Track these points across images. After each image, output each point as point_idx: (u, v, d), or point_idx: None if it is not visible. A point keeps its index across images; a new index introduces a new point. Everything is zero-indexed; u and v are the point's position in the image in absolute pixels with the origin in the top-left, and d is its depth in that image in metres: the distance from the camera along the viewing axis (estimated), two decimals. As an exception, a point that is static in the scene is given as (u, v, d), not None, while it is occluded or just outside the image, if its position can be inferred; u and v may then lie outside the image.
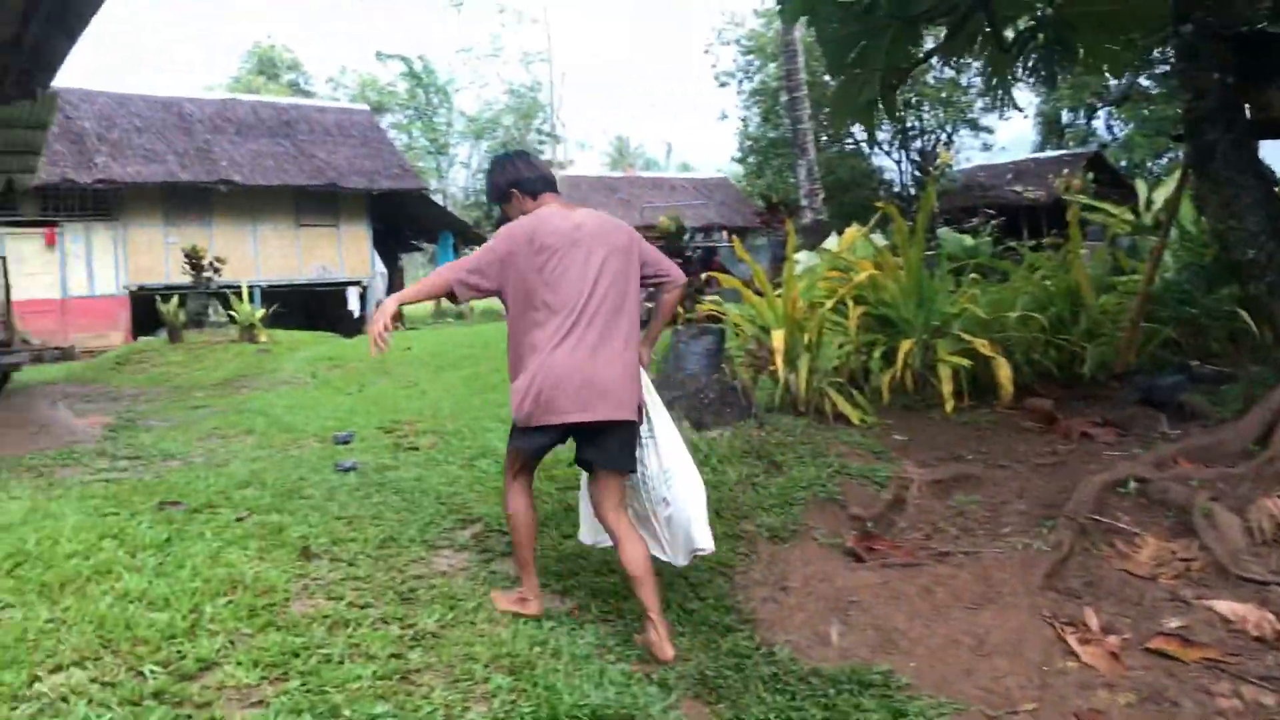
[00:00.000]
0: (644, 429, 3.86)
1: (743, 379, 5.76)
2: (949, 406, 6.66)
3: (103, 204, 21.66)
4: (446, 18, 72.30)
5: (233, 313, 15.56)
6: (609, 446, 3.71)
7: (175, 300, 15.41)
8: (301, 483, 5.51)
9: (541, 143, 40.27)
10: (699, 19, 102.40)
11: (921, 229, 6.94)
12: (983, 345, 6.77)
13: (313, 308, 25.94)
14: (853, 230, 7.43)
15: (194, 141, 23.52)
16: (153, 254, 22.22)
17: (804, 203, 18.88)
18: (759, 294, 6.80)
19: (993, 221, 13.72)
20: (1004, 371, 6.75)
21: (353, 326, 24.99)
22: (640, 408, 3.81)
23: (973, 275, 7.90)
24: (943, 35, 7.22)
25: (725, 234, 31.45)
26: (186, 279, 17.53)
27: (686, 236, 5.96)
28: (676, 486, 3.83)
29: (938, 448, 6.06)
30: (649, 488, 3.86)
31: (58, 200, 21.02)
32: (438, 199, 41.26)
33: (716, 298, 6.81)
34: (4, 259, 12.93)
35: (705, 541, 3.80)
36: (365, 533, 4.48)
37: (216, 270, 17.02)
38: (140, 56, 79.46)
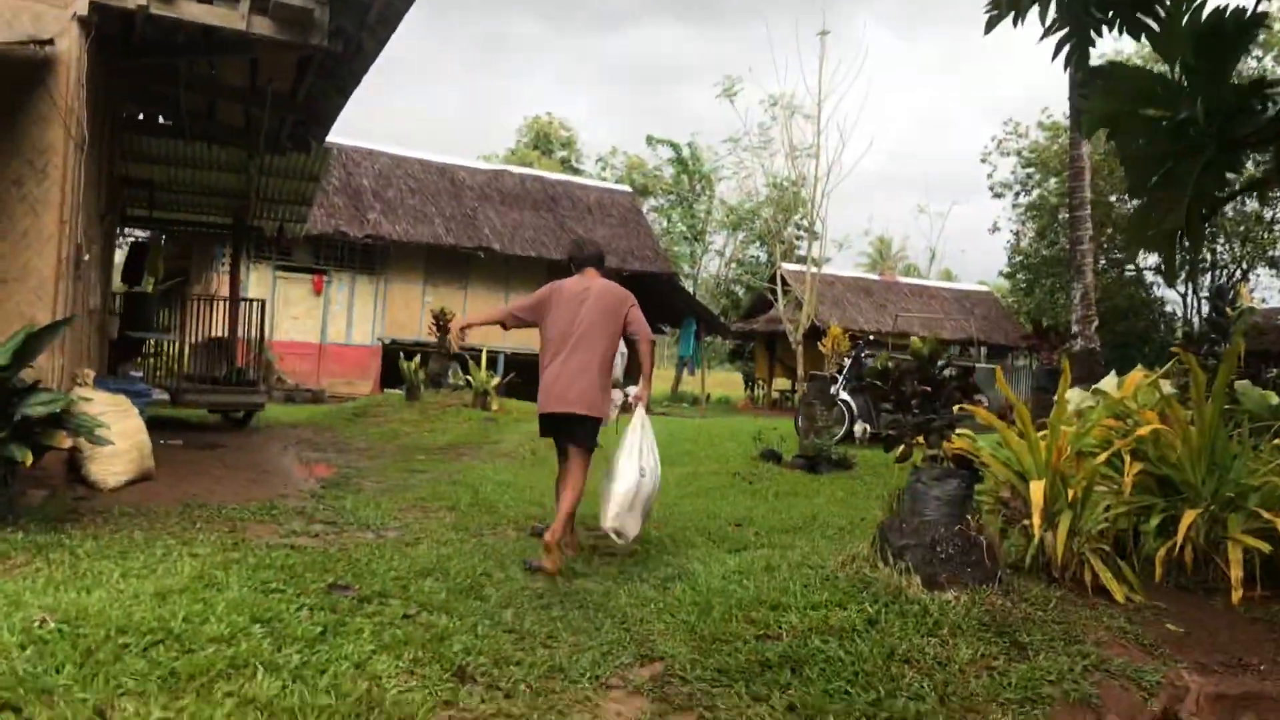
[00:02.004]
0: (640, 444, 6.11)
1: (989, 533, 4.98)
2: (1236, 596, 5.60)
3: (369, 258, 22.81)
4: (719, 108, 73.97)
5: (470, 378, 15.77)
6: (573, 432, 6.23)
7: (417, 359, 15.79)
8: (484, 579, 5.14)
9: (799, 238, 40.04)
10: (977, 128, 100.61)
11: (1223, 382, 5.96)
12: (1288, 527, 5.69)
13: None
14: (1138, 374, 6.51)
15: (461, 207, 24.53)
16: (409, 310, 23.16)
17: (1075, 328, 17.51)
18: (1019, 434, 5.99)
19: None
20: (1313, 562, 5.65)
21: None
22: (595, 410, 6.17)
23: (1276, 440, 6.77)
24: (1267, 161, 6.29)
25: (982, 350, 30.02)
26: (434, 339, 18.00)
27: (942, 360, 5.28)
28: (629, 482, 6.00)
29: (1221, 649, 5.04)
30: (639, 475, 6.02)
31: (329, 250, 22.28)
32: (688, 285, 41.73)
33: (969, 433, 6.05)
34: (264, 302, 13.58)
35: (622, 523, 5.94)
36: (533, 655, 4.01)
37: (463, 335, 17.37)
38: (425, 125, 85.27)
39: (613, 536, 5.96)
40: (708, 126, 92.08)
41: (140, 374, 12.96)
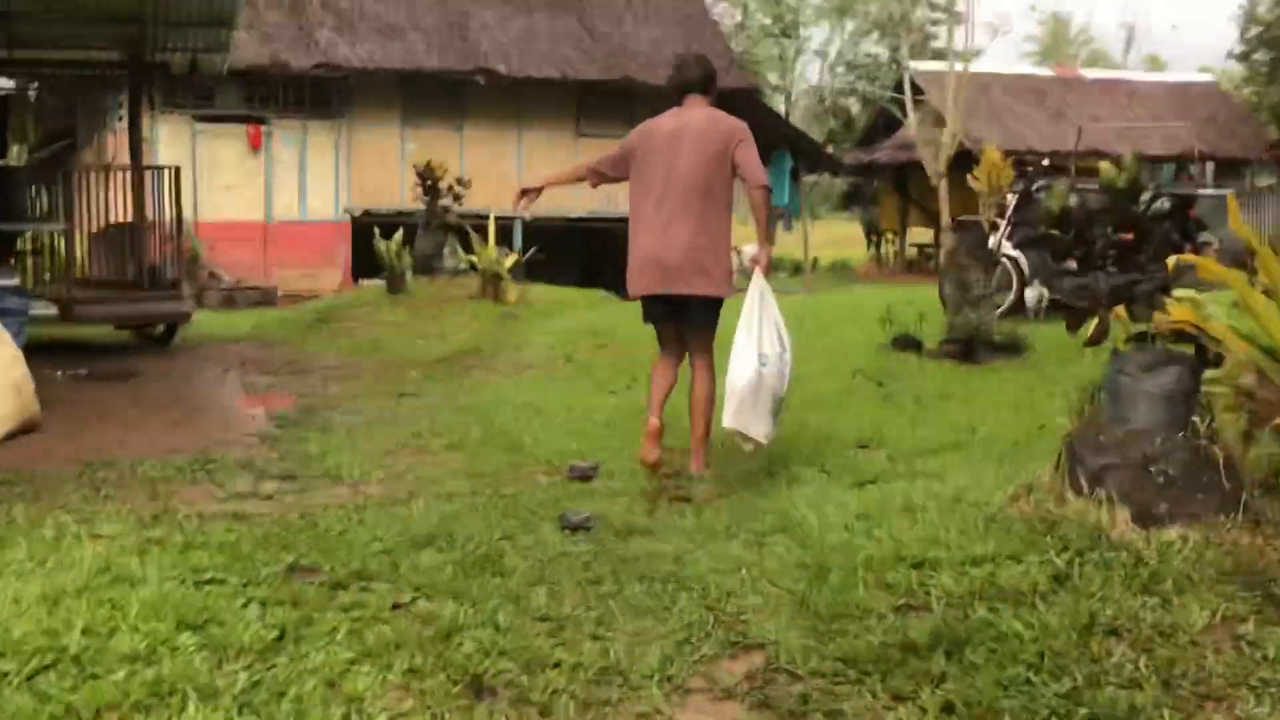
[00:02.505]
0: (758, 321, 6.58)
1: (1226, 441, 4.86)
2: None
3: (323, 97, 22.81)
4: None
5: (474, 257, 15.75)
6: (686, 316, 6.94)
7: (398, 237, 15.77)
8: (505, 545, 5.16)
9: (935, 23, 39.13)
10: None
11: None
12: None
13: (593, 251, 26.32)
14: None
15: (447, 13, 24.36)
16: (384, 167, 23.18)
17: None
18: (1266, 291, 5.80)
19: None
20: None
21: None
22: (715, 286, 6.79)
23: None
24: None
25: (1207, 168, 29.37)
26: (420, 204, 17.96)
27: (1148, 191, 5.08)
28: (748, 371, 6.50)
29: None
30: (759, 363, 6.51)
31: (266, 90, 22.24)
32: (777, 103, 41.19)
33: (1192, 293, 5.86)
34: (178, 169, 13.57)
35: (748, 425, 6.53)
36: (579, 652, 3.99)
37: (459, 196, 17.33)
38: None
39: (737, 440, 6.65)
40: None
41: (15, 280, 13.04)
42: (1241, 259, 10.38)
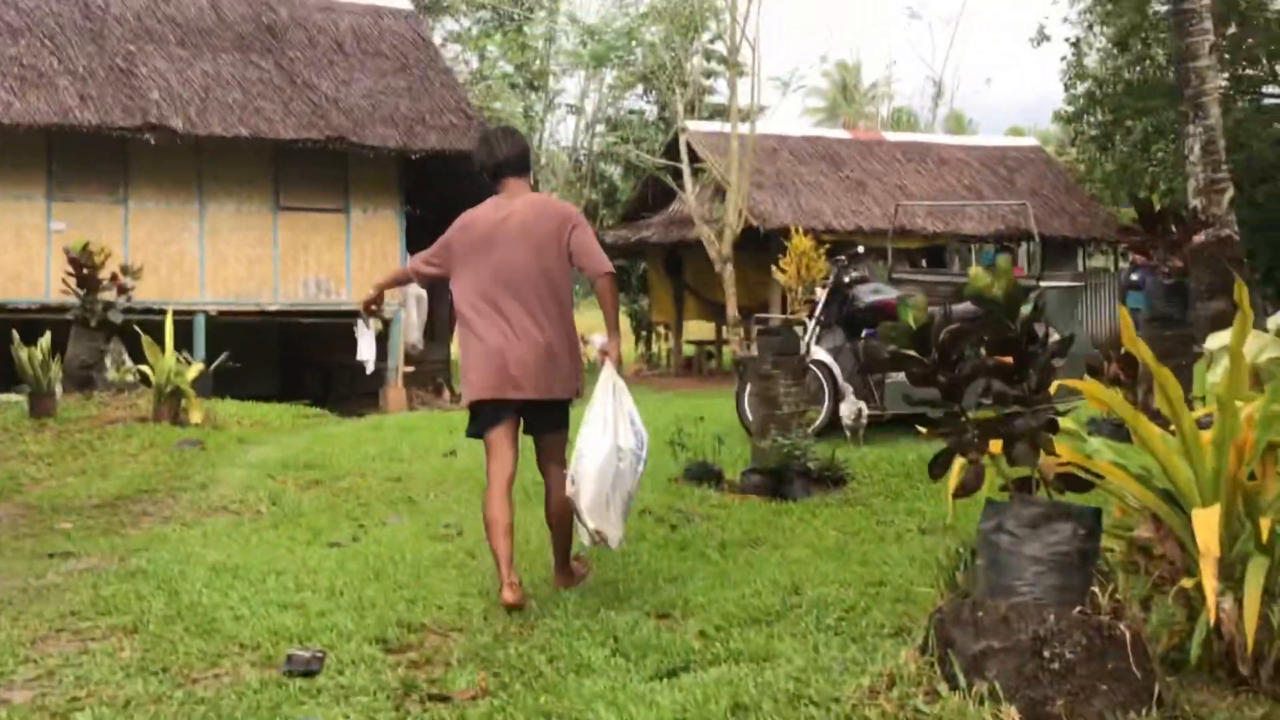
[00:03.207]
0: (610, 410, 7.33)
1: (1130, 618, 4.80)
2: None
3: (-60, 159, 21.95)
4: None
5: (145, 368, 15.21)
6: (538, 420, 7.79)
7: (44, 340, 15.13)
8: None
9: (710, 75, 39.90)
10: None
11: None
12: None
13: (297, 353, 25.84)
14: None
15: (106, 55, 23.80)
16: (23, 248, 22.45)
17: (1196, 203, 17.67)
18: (1157, 418, 5.81)
19: None
20: None
21: (363, 389, 24.74)
22: (566, 387, 7.68)
23: None
24: None
25: (1032, 247, 30.38)
26: (74, 298, 17.32)
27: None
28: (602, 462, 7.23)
29: None
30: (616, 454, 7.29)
31: None
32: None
33: (1073, 425, 5.84)
34: None
35: (602, 524, 7.23)
36: None
37: (125, 289, 16.79)
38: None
39: (588, 541, 7.43)
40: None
41: None
42: (1095, 362, 10.59)
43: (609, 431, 7.24)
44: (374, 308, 8.80)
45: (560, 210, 7.80)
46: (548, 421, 7.73)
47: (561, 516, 7.57)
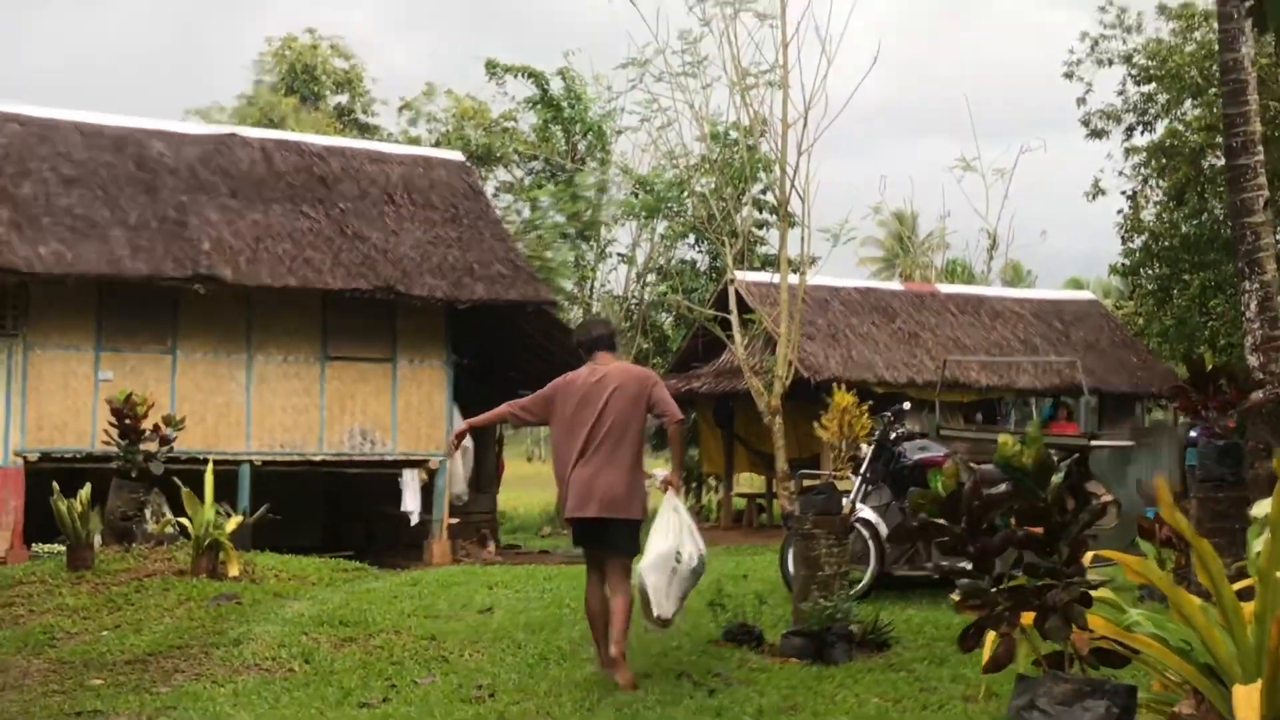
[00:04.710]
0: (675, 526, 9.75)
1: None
2: None
3: (-6, 307, 22.10)
4: (610, 7, 73.61)
5: (184, 520, 15.17)
6: (614, 536, 9.87)
7: (85, 491, 15.10)
8: None
9: (762, 226, 39.94)
10: (1056, 17, 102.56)
11: None
12: None
13: (342, 503, 25.79)
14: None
15: (158, 206, 23.95)
16: (71, 397, 22.50)
17: (1254, 361, 17.52)
18: (1199, 592, 5.67)
19: None
20: None
21: (406, 541, 24.63)
22: (637, 511, 9.86)
23: None
24: None
25: (1088, 402, 30.14)
26: (116, 447, 17.33)
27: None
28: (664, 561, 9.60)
29: None
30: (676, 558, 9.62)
31: (-87, 298, 21.56)
32: (576, 316, 41.37)
33: (1110, 594, 5.71)
34: None
35: (660, 608, 9.59)
36: None
37: (167, 440, 16.78)
38: (93, 71, 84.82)
39: (655, 628, 9.86)
40: (593, 40, 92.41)
41: None
42: (1146, 524, 10.41)
43: (670, 542, 9.57)
44: (458, 441, 13.26)
45: (643, 373, 10.25)
46: (617, 537, 9.83)
47: (619, 617, 9.59)
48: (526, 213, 44.12)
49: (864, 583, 12.49)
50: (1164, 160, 34.20)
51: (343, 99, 48.09)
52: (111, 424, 16.90)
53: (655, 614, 9.59)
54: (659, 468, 10.98)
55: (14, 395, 22.25)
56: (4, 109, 24.59)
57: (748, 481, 34.18)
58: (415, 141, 41.68)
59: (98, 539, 15.07)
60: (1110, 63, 35.08)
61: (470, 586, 15.05)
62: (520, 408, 10.58)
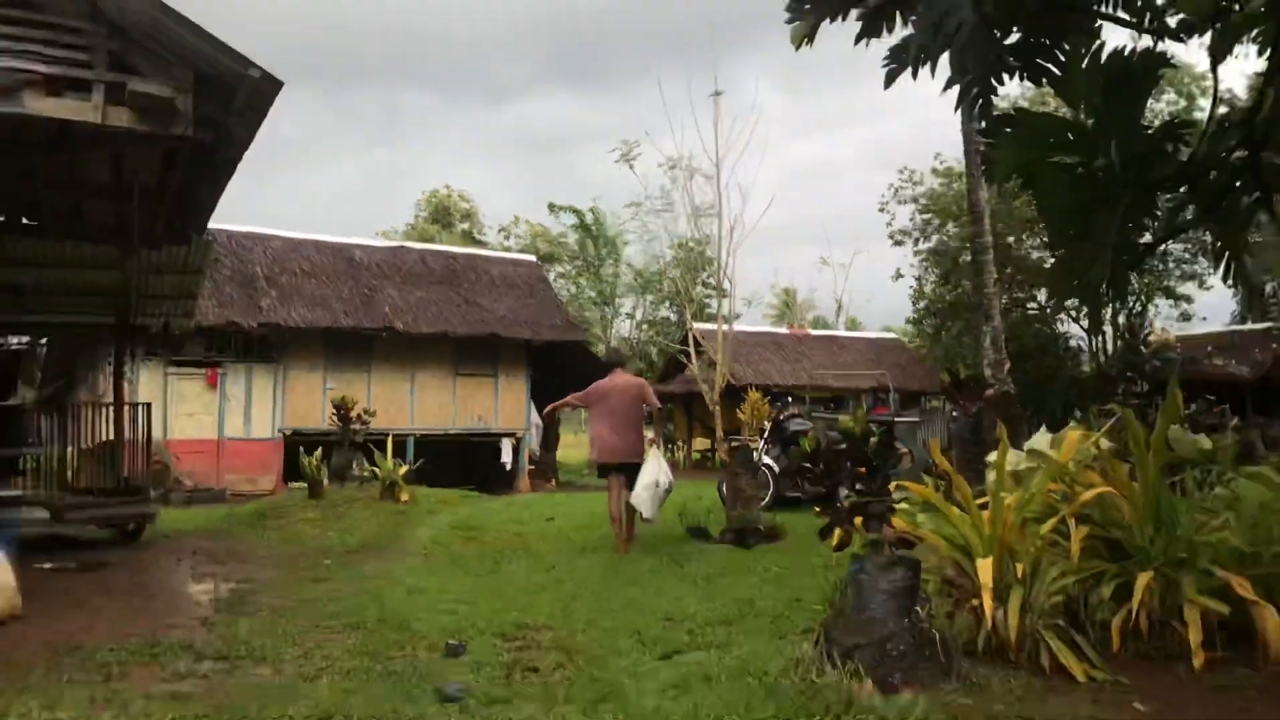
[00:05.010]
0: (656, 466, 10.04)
1: (941, 626, 4.62)
2: (1198, 661, 5.32)
3: (265, 347, 22.05)
4: (619, 172, 73.77)
5: (376, 468, 15.10)
6: (625, 471, 10.16)
7: (318, 453, 15.05)
8: (392, 717, 4.62)
9: (708, 296, 40.02)
10: (870, 178, 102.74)
11: (1162, 435, 5.73)
12: (1241, 585, 5.43)
13: (466, 458, 25.73)
14: (1075, 434, 6.25)
15: (360, 287, 23.91)
16: (310, 399, 22.39)
17: (988, 372, 17.55)
18: (958, 505, 5.68)
19: (1216, 407, 12.01)
20: (1272, 621, 5.39)
21: (504, 480, 24.58)
22: (638, 458, 10.19)
23: (1218, 489, 6.57)
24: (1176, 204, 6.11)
25: (893, 397, 30.10)
26: (335, 428, 17.25)
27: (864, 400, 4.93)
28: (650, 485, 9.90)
29: (1195, 724, 4.74)
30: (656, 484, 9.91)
31: (222, 342, 21.48)
32: (601, 350, 41.35)
33: (906, 504, 5.71)
34: (149, 406, 12.83)
35: (647, 513, 9.93)
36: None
37: (365, 422, 16.70)
38: (322, 204, 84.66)
39: (644, 516, 10.00)
40: (610, 191, 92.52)
41: (17, 492, 12.06)
42: (926, 466, 10.34)
43: (651, 473, 9.93)
44: (551, 415, 14.04)
45: (640, 382, 10.70)
46: (629, 470, 10.17)
47: (630, 512, 10.09)
48: (572, 290, 44.12)
49: (766, 500, 12.45)
50: (936, 257, 34.20)
51: (465, 225, 47.96)
52: (333, 414, 16.84)
53: (645, 516, 9.93)
54: (649, 434, 11.07)
55: (278, 397, 22.21)
56: (268, 232, 24.59)
57: (700, 444, 34.04)
58: (508, 250, 41.56)
59: (326, 480, 14.98)
60: (905, 202, 35.12)
61: (541, 506, 14.98)
62: (576, 399, 10.79)
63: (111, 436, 12.91)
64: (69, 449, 12.99)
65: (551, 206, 44.46)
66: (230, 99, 6.77)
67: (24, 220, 10.13)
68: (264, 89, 6.66)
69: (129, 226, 9.50)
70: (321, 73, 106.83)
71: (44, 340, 17.58)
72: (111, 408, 13.01)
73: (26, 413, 13.22)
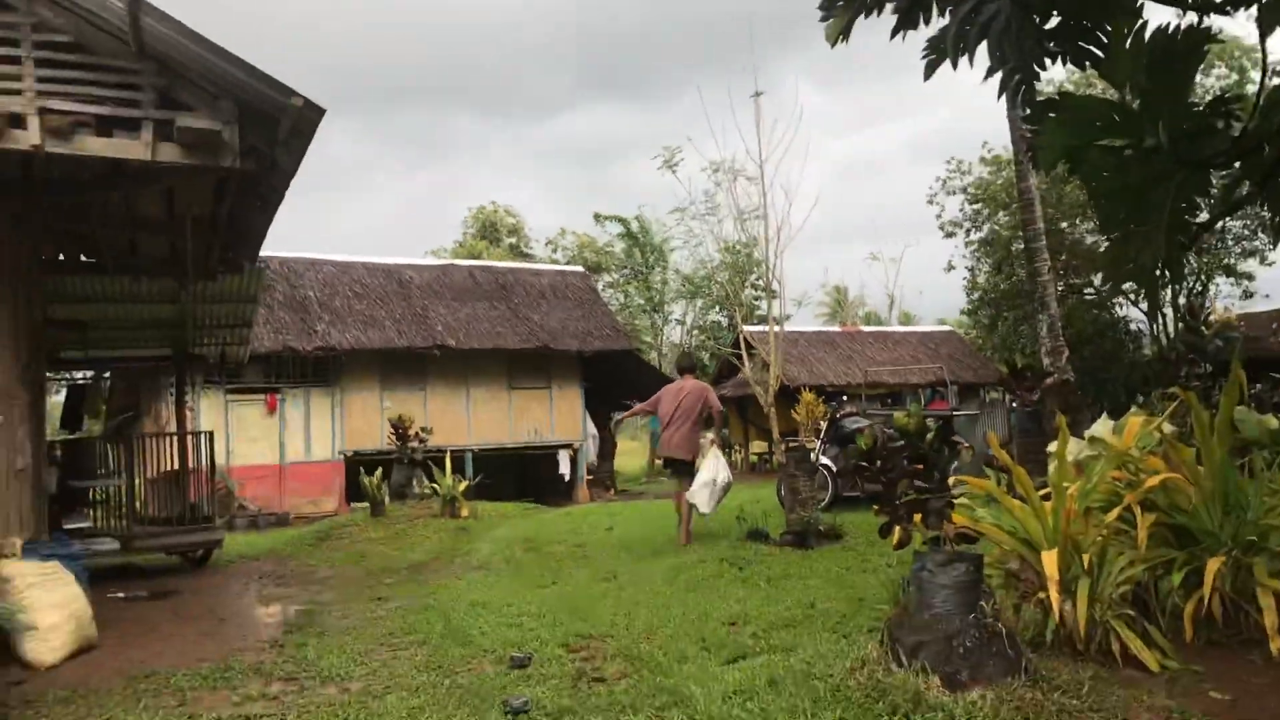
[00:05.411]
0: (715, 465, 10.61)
1: (1006, 618, 4.56)
2: (1275, 645, 5.20)
3: (322, 370, 22.33)
4: (663, 179, 73.89)
5: (435, 485, 15.22)
6: (681, 469, 11.18)
7: (378, 472, 15.20)
8: (461, 733, 4.66)
9: (757, 298, 39.87)
10: (918, 170, 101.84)
11: (1227, 417, 5.61)
12: (1318, 565, 5.30)
13: (524, 471, 25.86)
14: (1137, 419, 6.15)
15: (411, 307, 24.13)
16: (367, 419, 22.63)
17: (1046, 360, 17.33)
18: (1019, 497, 5.60)
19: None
20: (1349, 601, 5.25)
21: (562, 491, 24.66)
22: (694, 456, 11.08)
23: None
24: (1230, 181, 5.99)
25: (952, 389, 29.78)
26: (394, 447, 17.42)
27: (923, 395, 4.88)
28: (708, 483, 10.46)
29: (1273, 712, 4.63)
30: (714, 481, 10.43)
31: (280, 367, 21.78)
32: (652, 357, 41.36)
33: (964, 499, 5.65)
34: (211, 434, 13.04)
35: (704, 508, 10.51)
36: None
37: (423, 440, 16.85)
38: (371, 227, 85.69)
39: (700, 510, 10.55)
40: (654, 198, 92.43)
41: (86, 523, 12.33)
42: (986, 459, 10.22)
43: (711, 471, 10.47)
44: (620, 421, 14.21)
45: (704, 386, 11.18)
46: (681, 466, 11.10)
47: (687, 509, 10.66)
48: (621, 299, 44.18)
49: (825, 501, 12.34)
50: (988, 247, 33.79)
51: (513, 240, 48.20)
52: (391, 433, 17.02)
53: (701, 510, 10.50)
54: (708, 433, 12.03)
55: (336, 419, 22.48)
56: (322, 257, 24.92)
57: (757, 446, 33.88)
58: (555, 262, 41.73)
59: (386, 499, 15.14)
60: (953, 193, 34.76)
61: (600, 515, 15.00)
62: (643, 407, 11.62)
63: (176, 465, 13.15)
64: (136, 480, 13.24)
65: (597, 217, 44.65)
66: (275, 128, 6.87)
67: (82, 258, 10.34)
68: (307, 116, 6.75)
69: (183, 258, 9.67)
70: (366, 97, 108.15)
71: (107, 374, 17.97)
72: (175, 437, 13.26)
73: (94, 445, 13.47)
